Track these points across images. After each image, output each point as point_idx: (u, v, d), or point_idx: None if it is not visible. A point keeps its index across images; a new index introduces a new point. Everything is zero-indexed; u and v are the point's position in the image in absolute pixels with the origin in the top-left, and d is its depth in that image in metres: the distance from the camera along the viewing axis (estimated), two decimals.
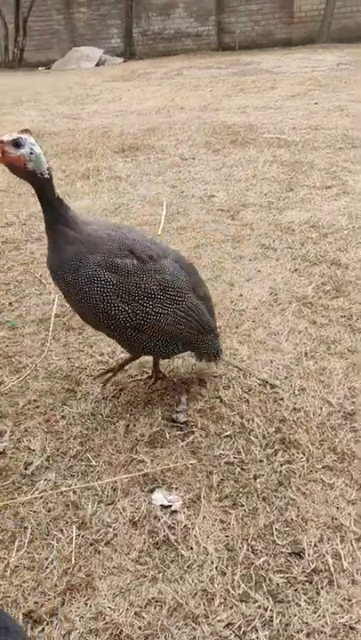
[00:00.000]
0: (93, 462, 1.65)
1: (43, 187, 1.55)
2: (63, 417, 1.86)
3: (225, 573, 1.31)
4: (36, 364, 2.18)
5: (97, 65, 14.22)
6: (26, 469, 1.65)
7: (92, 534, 1.42)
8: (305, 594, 1.25)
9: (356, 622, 1.19)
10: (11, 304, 2.68)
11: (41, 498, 1.54)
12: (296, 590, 1.26)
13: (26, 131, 1.51)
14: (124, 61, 14.46)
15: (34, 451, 1.72)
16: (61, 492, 1.55)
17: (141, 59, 14.69)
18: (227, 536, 1.40)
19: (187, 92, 8.11)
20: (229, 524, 1.43)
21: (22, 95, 8.70)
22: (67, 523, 1.46)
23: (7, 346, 2.34)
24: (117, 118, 6.49)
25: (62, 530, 1.44)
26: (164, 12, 15.01)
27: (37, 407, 1.93)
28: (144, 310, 1.65)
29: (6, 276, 2.94)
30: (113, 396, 1.95)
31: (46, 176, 1.54)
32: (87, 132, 5.82)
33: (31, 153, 1.48)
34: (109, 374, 2.00)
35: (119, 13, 15.15)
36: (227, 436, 1.72)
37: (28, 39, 15.30)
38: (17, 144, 1.46)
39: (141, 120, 6.27)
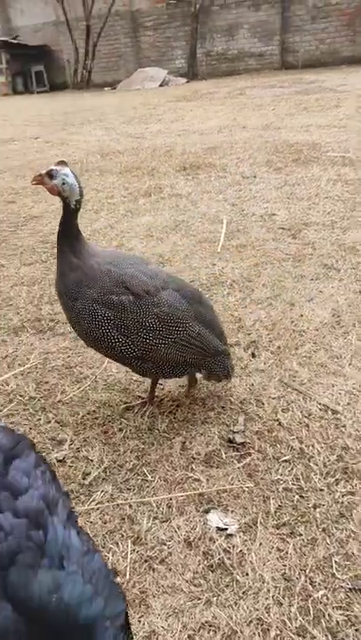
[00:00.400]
0: (149, 477, 1.66)
1: (68, 214, 1.69)
2: (120, 429, 1.89)
3: (281, 604, 1.26)
4: (95, 375, 2.23)
5: (161, 85, 14.64)
6: (84, 479, 1.68)
7: (147, 550, 1.42)
8: None
9: None
10: None
11: (97, 509, 1.56)
12: (357, 631, 1.20)
13: (62, 162, 1.66)
14: (188, 82, 14.79)
15: (92, 461, 1.75)
16: (117, 505, 1.57)
17: (204, 79, 14.97)
18: (284, 565, 1.36)
19: (249, 111, 8.16)
20: (287, 552, 1.39)
21: (89, 115, 9.08)
22: (122, 536, 1.47)
23: (69, 356, 2.41)
24: (180, 137, 6.62)
25: (118, 543, 1.45)
26: (228, 34, 15.27)
27: (96, 418, 1.97)
28: (144, 342, 1.71)
29: None
30: (169, 412, 1.96)
31: (73, 206, 1.67)
32: (150, 150, 5.97)
33: (63, 183, 1.63)
34: (147, 406, 2.00)
35: (184, 35, 15.56)
36: (285, 460, 1.67)
37: (96, 62, 16.01)
38: (50, 175, 1.63)
39: (203, 139, 6.36)
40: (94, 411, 2.01)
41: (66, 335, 2.58)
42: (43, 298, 2.95)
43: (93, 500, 1.60)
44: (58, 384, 2.21)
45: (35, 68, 17.17)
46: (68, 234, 1.70)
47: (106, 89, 15.49)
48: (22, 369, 2.32)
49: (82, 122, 8.48)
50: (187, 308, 1.77)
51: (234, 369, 1.97)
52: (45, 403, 2.09)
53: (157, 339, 1.72)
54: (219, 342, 1.86)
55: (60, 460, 1.77)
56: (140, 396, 2.09)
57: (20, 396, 2.14)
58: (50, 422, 1.98)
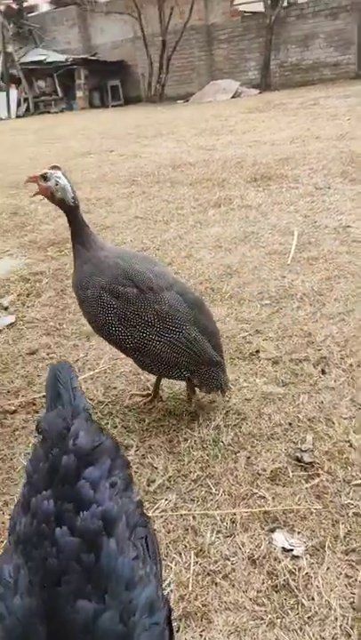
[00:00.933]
0: (213, 490, 1.65)
1: (70, 212, 1.81)
2: (185, 439, 1.90)
3: (350, 635, 1.21)
4: (162, 384, 2.26)
5: (233, 97, 14.71)
6: (148, 486, 1.70)
7: (210, 564, 1.41)
8: None
9: None
10: None
11: (161, 517, 1.58)
12: None
13: (55, 167, 1.77)
14: (260, 93, 14.76)
15: (156, 469, 1.77)
16: (181, 515, 1.57)
17: (277, 90, 14.88)
18: (353, 593, 1.30)
19: (323, 121, 8.00)
20: (356, 580, 1.33)
21: (162, 128, 9.30)
22: (185, 547, 1.47)
23: None
24: (251, 149, 6.61)
25: (181, 554, 1.45)
26: (303, 44, 15.10)
27: (162, 426, 1.99)
28: (141, 336, 1.81)
29: None
30: (234, 425, 1.94)
31: (71, 204, 1.79)
32: (221, 162, 6.01)
33: (56, 184, 1.75)
34: (149, 399, 2.12)
35: (258, 47, 15.57)
36: (357, 484, 1.61)
37: (169, 75, 16.39)
38: (44, 177, 1.75)
39: (275, 150, 6.31)
40: (160, 419, 2.04)
41: None
42: None
43: (158, 508, 1.61)
44: (125, 390, 2.26)
45: (111, 83, 17.86)
46: (78, 231, 1.83)
47: (178, 102, 15.80)
48: (92, 373, 2.39)
49: (154, 134, 8.70)
50: (187, 311, 1.84)
51: (228, 384, 1.99)
52: (113, 408, 2.15)
53: (153, 334, 1.81)
54: (214, 352, 1.91)
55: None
56: (148, 393, 2.17)
57: (90, 399, 2.21)
58: (117, 427, 2.02)
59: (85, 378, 2.36)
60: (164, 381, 2.27)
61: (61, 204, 1.80)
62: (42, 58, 17.78)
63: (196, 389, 2.04)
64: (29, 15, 19.21)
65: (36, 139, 10.16)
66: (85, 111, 16.53)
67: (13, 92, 17.63)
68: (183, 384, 2.23)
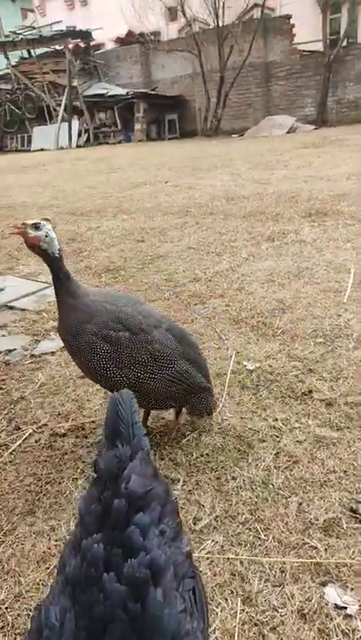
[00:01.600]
0: (262, 535, 1.60)
1: (52, 263, 1.84)
2: (233, 478, 1.86)
3: None
4: (210, 417, 2.24)
5: (288, 132, 14.87)
6: (195, 524, 1.67)
7: (258, 614, 1.35)
8: None
9: None
10: None
11: (207, 559, 1.54)
12: None
13: (46, 219, 1.83)
14: (316, 128, 14.85)
15: (203, 507, 1.74)
16: (228, 559, 1.53)
17: (333, 126, 14.92)
18: None
19: None
20: None
21: (217, 161, 9.48)
22: (232, 593, 1.43)
23: None
24: (306, 184, 6.62)
25: (227, 599, 1.41)
26: None
27: (209, 462, 1.97)
28: (136, 376, 1.87)
29: (190, 327, 3.12)
30: (285, 468, 1.89)
31: (56, 255, 1.83)
32: (275, 196, 6.04)
33: (46, 236, 1.80)
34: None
35: (315, 84, 15.77)
36: None
37: (226, 110, 16.79)
38: (36, 227, 1.79)
39: (331, 186, 6.29)
40: (207, 454, 2.01)
41: None
42: None
43: (204, 549, 1.58)
44: (173, 422, 2.25)
45: (168, 117, 18.48)
46: (61, 281, 1.86)
47: (233, 136, 16.12)
48: None
49: (209, 167, 8.88)
50: (176, 346, 1.93)
51: (215, 406, 2.14)
52: (161, 439, 2.14)
53: (148, 373, 1.88)
54: (203, 379, 2.02)
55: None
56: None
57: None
58: (164, 459, 2.01)
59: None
60: (213, 414, 2.25)
61: (44, 254, 1.83)
62: (104, 91, 18.70)
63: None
64: (95, 52, 20.33)
65: (94, 168, 10.59)
66: (142, 143, 17.14)
67: (75, 123, 18.56)
68: (237, 421, 2.21)
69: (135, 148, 15.52)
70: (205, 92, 16.66)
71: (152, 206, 6.32)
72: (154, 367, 1.88)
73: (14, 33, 19.77)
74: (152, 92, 18.52)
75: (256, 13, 17.95)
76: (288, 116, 15.96)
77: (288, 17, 16.45)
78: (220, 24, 15.77)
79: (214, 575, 1.49)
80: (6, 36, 20.23)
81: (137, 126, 18.25)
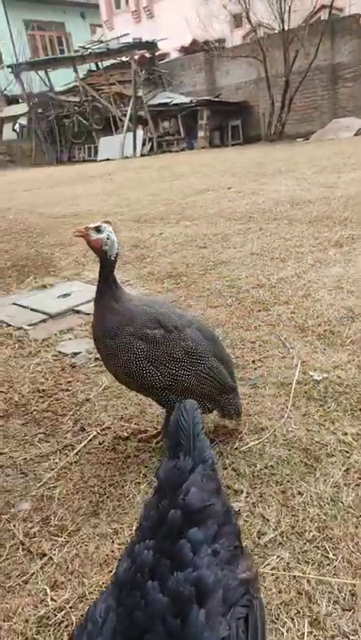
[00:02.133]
0: (331, 555, 1.52)
1: (107, 265, 1.90)
2: (300, 493, 1.79)
3: None
4: (275, 428, 2.18)
5: (356, 134, 14.40)
6: (259, 539, 1.62)
7: (327, 639, 1.29)
8: None
9: None
10: (254, 362, 2.78)
11: (272, 575, 1.49)
12: None
13: (107, 222, 1.89)
14: None
15: (268, 521, 1.69)
16: (294, 577, 1.47)
17: None
18: None
19: None
20: None
21: (281, 166, 9.34)
22: (298, 613, 1.37)
23: (248, 404, 2.41)
24: None
25: (293, 619, 1.35)
26: None
27: (273, 474, 1.91)
28: (171, 372, 1.93)
29: (253, 334, 3.07)
30: (356, 485, 1.79)
31: (112, 258, 1.90)
32: (343, 200, 5.84)
33: (108, 238, 1.85)
34: (158, 438, 2.16)
35: None
36: None
37: (290, 114, 16.54)
38: (98, 230, 1.84)
39: None
40: (272, 466, 1.95)
41: (245, 381, 2.60)
42: (225, 340, 3.03)
43: (268, 565, 1.53)
44: (236, 430, 2.21)
45: (232, 123, 18.46)
46: (109, 283, 1.92)
47: (298, 140, 15.83)
48: None
49: (273, 172, 8.76)
50: (207, 344, 2.01)
51: (241, 408, 2.15)
52: (223, 448, 2.11)
53: (182, 369, 1.95)
54: (231, 380, 2.08)
55: (235, 512, 1.74)
56: (155, 427, 2.25)
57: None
58: (226, 469, 1.98)
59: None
60: (278, 424, 2.18)
61: (103, 255, 1.89)
62: (168, 100, 19.00)
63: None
64: (160, 62, 20.73)
65: (158, 176, 10.76)
66: (205, 150, 17.22)
67: (140, 133, 18.98)
68: (303, 433, 2.13)
69: (198, 155, 15.62)
70: (270, 96, 16.49)
71: (215, 212, 6.31)
72: (188, 363, 1.95)
73: (83, 48, 20.59)
74: (215, 99, 18.60)
75: (323, 15, 17.57)
76: (356, 118, 15.46)
77: (358, 16, 15.97)
78: (286, 28, 15.58)
79: (279, 592, 1.43)
80: (76, 51, 21.10)
81: (200, 133, 18.36)
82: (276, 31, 16.24)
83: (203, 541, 0.86)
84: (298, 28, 15.56)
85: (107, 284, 1.94)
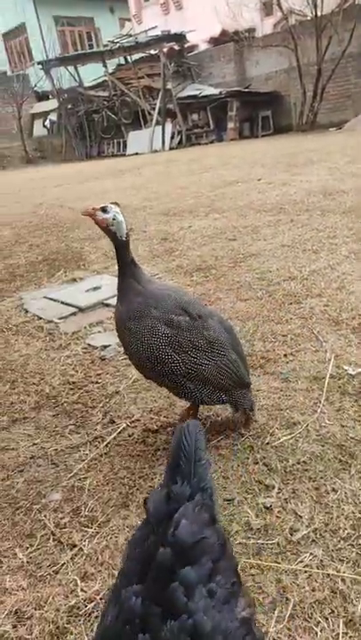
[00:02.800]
0: None
1: (120, 246, 1.91)
2: (334, 490, 1.74)
3: None
4: (307, 423, 2.13)
5: None
6: (291, 535, 1.59)
7: None
8: None
9: None
10: (286, 356, 2.72)
11: (305, 572, 1.45)
12: None
13: (115, 203, 1.89)
14: None
15: (301, 517, 1.65)
16: (328, 575, 1.43)
17: None
18: None
19: None
20: None
21: (313, 155, 9.13)
22: (332, 612, 1.33)
23: (279, 398, 2.36)
24: None
25: (327, 619, 1.31)
26: None
27: (306, 470, 1.86)
28: (192, 361, 1.92)
29: (284, 327, 3.01)
30: None
31: (123, 239, 1.89)
32: None
33: (114, 218, 1.86)
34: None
35: None
36: None
37: (322, 103, 16.14)
38: (104, 210, 1.85)
39: None
40: (305, 462, 1.91)
41: (276, 375, 2.55)
42: (256, 334, 2.98)
43: (301, 562, 1.49)
44: (267, 424, 2.17)
45: (262, 114, 18.17)
46: (127, 265, 1.92)
47: (331, 129, 15.45)
48: None
49: (305, 162, 8.57)
50: (227, 336, 2.02)
51: (255, 404, 2.17)
52: (254, 442, 2.07)
53: (203, 359, 1.94)
54: (246, 375, 2.09)
55: (267, 507, 1.71)
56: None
57: (231, 429, 2.17)
58: (257, 463, 1.94)
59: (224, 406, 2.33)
60: (311, 419, 2.13)
61: (113, 237, 1.89)
62: (197, 92, 18.83)
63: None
64: (189, 54, 20.55)
65: (187, 169, 10.70)
66: (235, 142, 17.02)
67: (168, 126, 18.90)
68: (337, 429, 2.08)
69: (227, 147, 15.45)
70: (301, 85, 16.12)
71: (244, 204, 6.23)
72: (209, 353, 1.95)
73: (112, 42, 20.62)
74: (245, 90, 18.33)
75: None
76: None
77: None
78: (319, 14, 15.16)
79: (313, 591, 1.40)
80: (105, 46, 21.15)
81: (230, 125, 18.13)
82: (309, 18, 15.84)
83: (197, 582, 0.77)
84: (331, 14, 15.12)
85: (125, 265, 1.94)
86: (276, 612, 1.35)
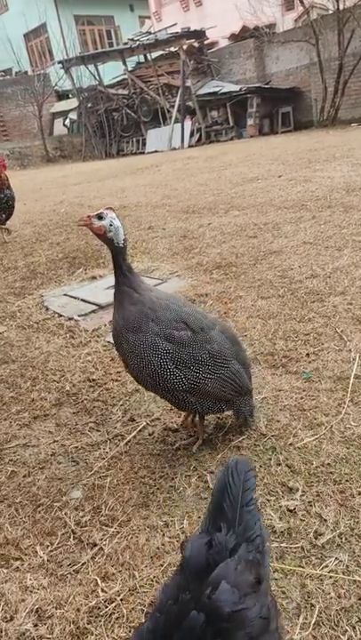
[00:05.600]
0: None
1: (118, 253, 1.83)
2: (360, 493, 1.69)
3: None
4: (331, 424, 2.08)
5: None
6: (316, 539, 1.55)
7: None
8: None
9: None
10: (308, 355, 2.67)
11: (330, 578, 1.41)
12: None
13: (110, 208, 1.82)
14: None
15: (325, 521, 1.61)
16: (355, 581, 1.39)
17: None
18: None
19: None
20: None
21: (335, 151, 8.99)
22: (360, 621, 1.28)
23: (302, 398, 2.31)
24: None
25: (354, 627, 1.27)
26: None
27: (331, 473, 1.82)
28: (195, 376, 1.87)
29: (306, 326, 2.96)
30: None
31: (121, 245, 1.82)
32: None
33: (110, 224, 1.80)
34: (199, 442, 2.07)
35: None
36: None
37: (344, 99, 15.89)
38: (100, 217, 1.79)
39: None
40: (329, 464, 1.86)
41: (298, 374, 2.50)
42: (277, 333, 2.93)
43: (326, 567, 1.45)
44: (290, 425, 2.13)
45: (283, 110, 17.97)
46: (124, 272, 1.85)
47: (352, 125, 15.20)
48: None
49: (326, 158, 8.44)
50: (230, 347, 1.96)
51: (254, 408, 2.14)
52: (276, 443, 2.03)
53: (206, 373, 1.89)
54: (249, 382, 2.06)
55: (290, 510, 1.67)
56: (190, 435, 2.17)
57: (252, 429, 2.13)
58: (280, 465, 1.91)
59: None
60: (335, 420, 2.08)
61: (111, 244, 1.82)
62: (217, 89, 18.71)
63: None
64: (209, 51, 20.44)
65: (206, 166, 10.63)
66: (254, 138, 16.87)
67: (187, 123, 18.83)
68: (359, 430, 2.02)
69: (247, 143, 15.32)
70: (322, 81, 15.88)
71: (265, 201, 6.15)
72: (211, 367, 1.90)
73: (132, 40, 20.62)
74: (266, 86, 18.15)
75: None
76: None
77: None
78: (341, 7, 14.91)
79: (339, 597, 1.36)
80: (124, 44, 21.17)
81: (249, 121, 17.97)
82: (330, 11, 15.60)
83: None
84: (354, 7, 14.86)
85: (121, 272, 1.86)
86: (300, 618, 1.32)
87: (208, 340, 1.90)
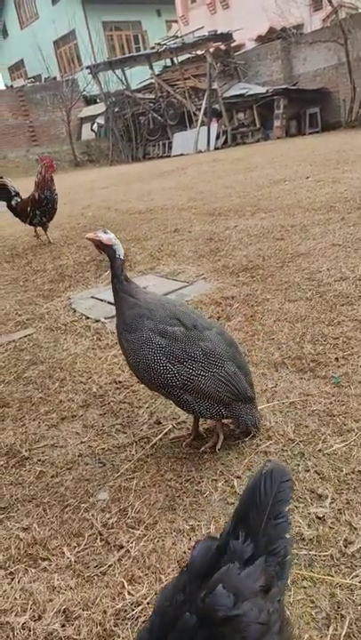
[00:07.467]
0: None
1: (117, 264, 1.98)
2: None
3: None
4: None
5: None
6: (346, 547, 1.51)
7: None
8: None
9: None
10: (337, 359, 2.62)
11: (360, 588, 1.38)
12: None
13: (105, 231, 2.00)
14: None
15: (356, 529, 1.57)
16: None
17: None
18: None
19: None
20: None
21: None
22: None
23: (331, 403, 2.27)
24: None
25: None
26: None
27: None
28: (188, 372, 1.92)
29: (335, 330, 2.91)
30: None
31: (121, 258, 1.99)
32: None
33: (115, 238, 1.98)
34: (220, 440, 2.09)
35: None
36: None
37: None
38: (105, 232, 1.98)
39: None
40: (360, 471, 1.82)
41: (328, 379, 2.46)
42: (305, 336, 2.89)
43: (356, 576, 1.42)
44: (318, 431, 2.10)
45: (310, 111, 17.79)
46: (121, 280, 1.98)
47: None
48: (275, 403, 2.28)
49: (355, 159, 8.31)
50: (226, 348, 2.00)
51: (260, 421, 2.11)
52: (305, 448, 2.00)
53: (199, 370, 1.93)
54: (249, 388, 2.04)
55: (319, 517, 1.64)
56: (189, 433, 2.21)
57: (280, 434, 2.10)
58: (308, 471, 1.87)
59: (273, 407, 2.27)
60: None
61: (113, 254, 1.98)
62: (243, 91, 18.65)
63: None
64: (236, 53, 20.40)
65: (232, 168, 10.60)
66: (281, 140, 16.74)
67: (214, 126, 18.83)
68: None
69: (274, 145, 15.21)
70: (351, 81, 15.65)
71: (292, 203, 6.09)
72: (205, 364, 1.94)
73: (159, 44, 20.75)
74: (293, 88, 17.99)
75: None
76: None
77: None
78: None
79: None
80: (151, 48, 21.32)
81: (276, 123, 17.84)
82: (360, 10, 15.37)
83: None
84: None
85: (120, 282, 2.00)
86: (330, 629, 1.29)
87: (202, 338, 1.96)
